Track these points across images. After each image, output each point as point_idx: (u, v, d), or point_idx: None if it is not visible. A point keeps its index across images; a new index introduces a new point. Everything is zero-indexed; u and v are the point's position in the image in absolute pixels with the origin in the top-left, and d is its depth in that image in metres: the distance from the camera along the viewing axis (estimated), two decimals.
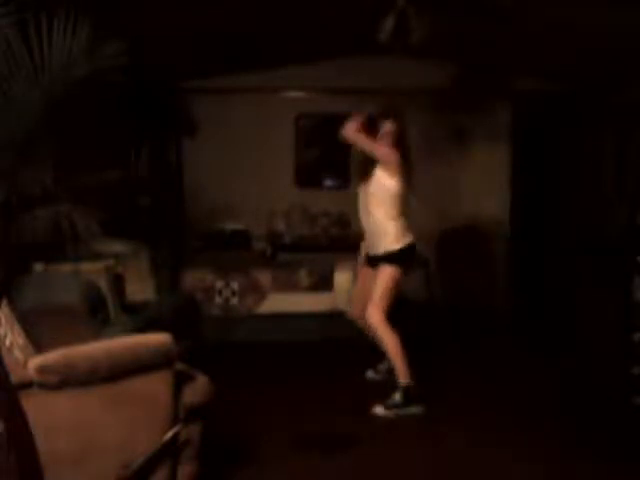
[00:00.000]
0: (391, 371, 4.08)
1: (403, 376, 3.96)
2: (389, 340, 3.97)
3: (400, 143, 4.09)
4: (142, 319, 4.12)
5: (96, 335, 3.00)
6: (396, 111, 4.23)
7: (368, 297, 4.06)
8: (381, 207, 4.07)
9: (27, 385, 2.28)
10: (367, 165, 4.14)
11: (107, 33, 2.79)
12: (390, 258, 4.03)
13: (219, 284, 5.51)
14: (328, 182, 7.13)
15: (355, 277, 5.04)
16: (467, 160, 6.99)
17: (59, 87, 2.82)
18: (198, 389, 2.71)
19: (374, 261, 4.14)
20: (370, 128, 4.12)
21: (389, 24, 4.21)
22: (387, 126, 4.10)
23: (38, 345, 2.41)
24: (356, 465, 3.25)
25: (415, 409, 3.92)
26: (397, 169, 4.00)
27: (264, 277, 5.56)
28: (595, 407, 4.05)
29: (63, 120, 3.23)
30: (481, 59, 6.23)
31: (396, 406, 3.91)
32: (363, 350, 4.53)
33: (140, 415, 2.46)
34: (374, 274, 4.09)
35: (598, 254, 5.74)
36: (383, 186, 4.04)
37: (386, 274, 4.02)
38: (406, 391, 3.93)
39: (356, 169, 4.56)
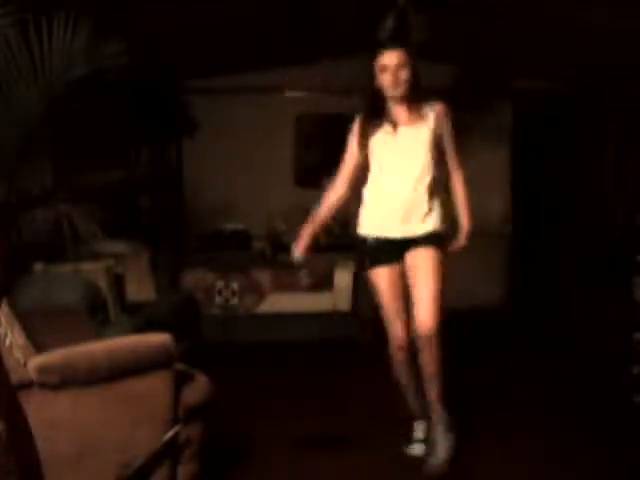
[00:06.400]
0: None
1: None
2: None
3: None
4: (142, 319, 4.12)
5: (96, 335, 3.00)
6: None
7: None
8: None
9: (27, 385, 2.28)
10: None
11: (107, 33, 2.79)
12: None
13: (219, 284, 5.51)
14: (328, 182, 7.11)
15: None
16: (467, 160, 6.95)
17: (59, 87, 2.82)
18: (198, 389, 2.71)
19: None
20: None
21: (389, 24, 4.21)
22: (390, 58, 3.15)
23: (38, 345, 2.41)
24: (356, 465, 3.24)
25: None
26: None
27: (264, 277, 5.55)
28: (595, 406, 4.05)
29: (63, 120, 3.23)
30: (481, 59, 6.23)
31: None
32: (363, 350, 4.53)
33: (140, 415, 2.46)
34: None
35: (598, 254, 5.74)
36: None
37: None
38: None
39: None
